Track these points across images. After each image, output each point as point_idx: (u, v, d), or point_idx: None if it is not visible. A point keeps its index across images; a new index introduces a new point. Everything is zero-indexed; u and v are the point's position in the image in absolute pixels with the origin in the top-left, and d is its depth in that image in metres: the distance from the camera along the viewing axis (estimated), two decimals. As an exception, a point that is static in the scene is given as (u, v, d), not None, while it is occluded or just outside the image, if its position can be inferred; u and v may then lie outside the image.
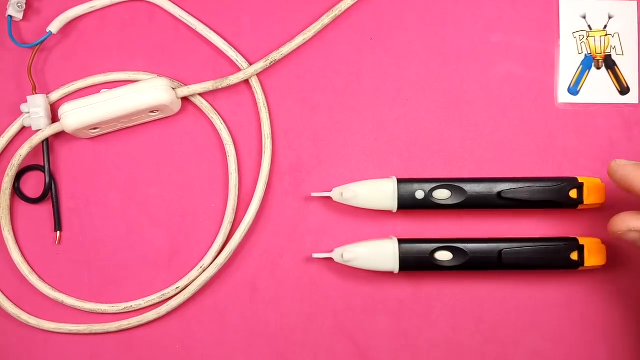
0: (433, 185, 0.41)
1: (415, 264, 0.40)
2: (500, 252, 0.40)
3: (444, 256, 0.40)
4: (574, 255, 0.40)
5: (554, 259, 0.40)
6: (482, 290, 0.42)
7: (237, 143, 0.43)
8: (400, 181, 0.41)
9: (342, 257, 0.40)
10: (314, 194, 0.41)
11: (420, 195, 0.41)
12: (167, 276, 0.42)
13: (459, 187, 0.40)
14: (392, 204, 0.41)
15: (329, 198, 0.42)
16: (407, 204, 0.41)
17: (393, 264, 0.40)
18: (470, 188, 0.40)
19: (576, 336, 0.42)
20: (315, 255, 0.41)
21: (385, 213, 0.42)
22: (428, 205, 0.41)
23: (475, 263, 0.40)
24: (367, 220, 0.42)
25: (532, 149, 0.43)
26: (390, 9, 0.44)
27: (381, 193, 0.41)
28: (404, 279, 0.42)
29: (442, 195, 0.41)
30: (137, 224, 0.43)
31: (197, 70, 0.43)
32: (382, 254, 0.40)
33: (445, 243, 0.40)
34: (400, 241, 0.40)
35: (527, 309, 0.42)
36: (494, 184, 0.41)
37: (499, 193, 0.40)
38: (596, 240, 0.40)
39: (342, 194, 0.40)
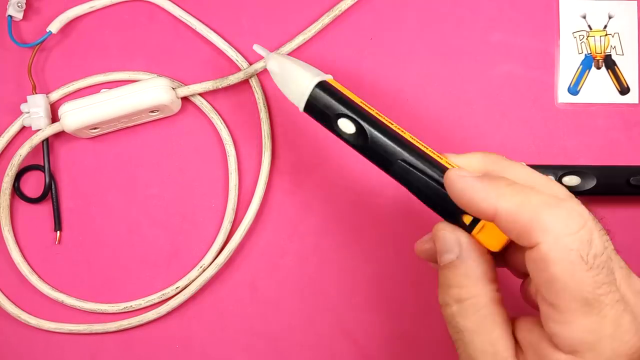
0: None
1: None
2: None
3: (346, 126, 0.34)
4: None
5: None
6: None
7: (237, 143, 0.43)
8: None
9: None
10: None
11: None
12: (167, 276, 0.42)
13: None
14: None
15: (330, 199, 0.42)
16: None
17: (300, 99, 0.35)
18: None
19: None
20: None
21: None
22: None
23: None
24: (367, 220, 0.42)
25: (532, 149, 0.43)
26: (390, 9, 0.44)
27: None
28: (403, 278, 0.42)
29: None
30: (137, 224, 0.43)
31: (197, 70, 0.43)
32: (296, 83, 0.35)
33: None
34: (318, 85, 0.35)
35: (527, 308, 0.42)
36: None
37: None
38: None
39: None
